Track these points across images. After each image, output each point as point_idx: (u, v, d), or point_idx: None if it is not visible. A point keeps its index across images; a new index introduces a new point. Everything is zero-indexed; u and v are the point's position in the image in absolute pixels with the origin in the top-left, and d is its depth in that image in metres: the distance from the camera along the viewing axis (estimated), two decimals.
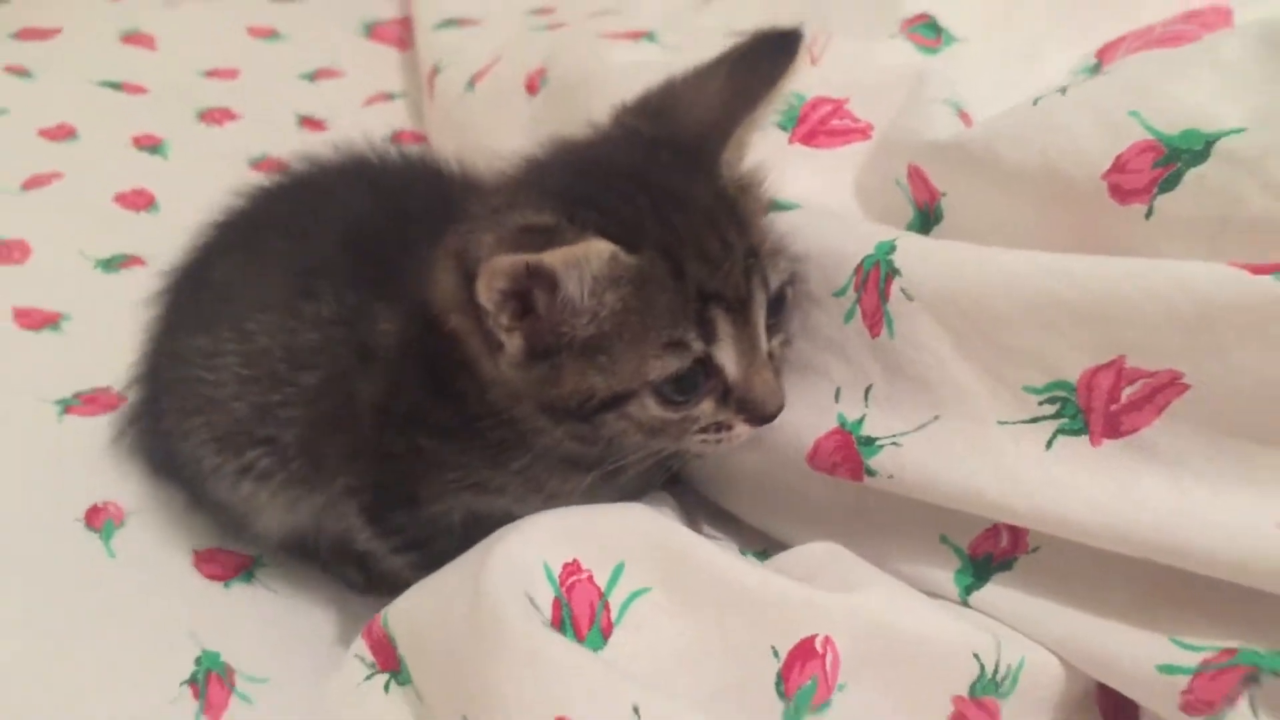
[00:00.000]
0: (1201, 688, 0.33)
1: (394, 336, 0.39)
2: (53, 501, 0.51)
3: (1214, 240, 0.35)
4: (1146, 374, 0.34)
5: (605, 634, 0.33)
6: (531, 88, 0.62)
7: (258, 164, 0.75)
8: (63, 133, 0.76)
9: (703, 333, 0.35)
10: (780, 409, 0.37)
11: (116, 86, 0.82)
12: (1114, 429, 0.35)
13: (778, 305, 0.39)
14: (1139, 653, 0.34)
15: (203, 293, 0.47)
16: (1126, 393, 0.35)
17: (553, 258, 0.33)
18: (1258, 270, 0.32)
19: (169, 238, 0.64)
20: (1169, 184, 0.36)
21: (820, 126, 0.49)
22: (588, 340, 0.35)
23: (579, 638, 0.32)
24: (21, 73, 0.82)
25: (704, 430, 0.37)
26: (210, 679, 0.45)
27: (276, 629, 0.47)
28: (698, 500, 0.44)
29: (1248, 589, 0.32)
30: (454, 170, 0.46)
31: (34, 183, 0.71)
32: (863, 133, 0.48)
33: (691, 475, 0.44)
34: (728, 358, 0.37)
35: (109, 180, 0.72)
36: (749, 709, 0.32)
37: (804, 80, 0.52)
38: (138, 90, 0.82)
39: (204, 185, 0.65)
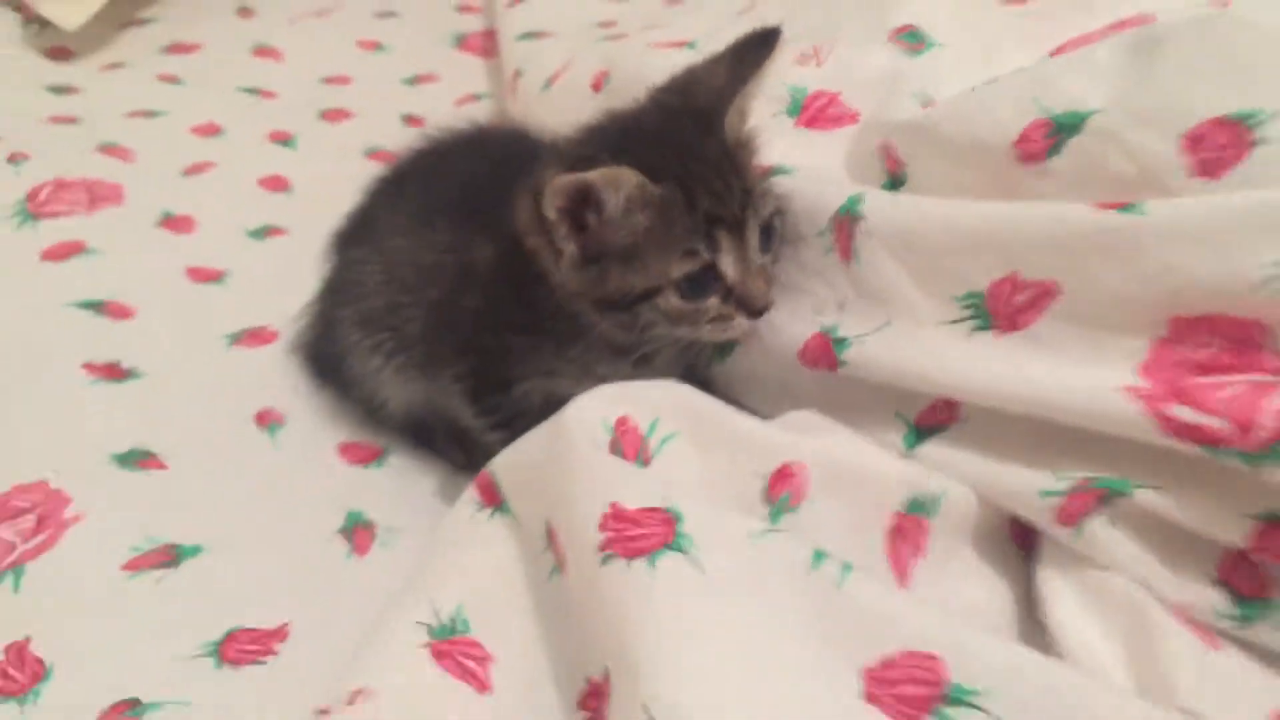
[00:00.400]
0: (1069, 505, 0.47)
1: (489, 260, 0.54)
2: (229, 409, 0.66)
3: (1084, 188, 0.48)
4: (1033, 284, 0.48)
5: (646, 462, 0.47)
6: (596, 87, 0.76)
7: (371, 154, 0.90)
8: (212, 130, 0.92)
9: (710, 245, 0.50)
10: (768, 306, 0.51)
11: (253, 92, 0.98)
12: (1012, 325, 0.48)
13: (767, 232, 0.53)
14: (1030, 484, 0.48)
15: (362, 222, 0.62)
16: (1019, 299, 0.48)
17: (595, 176, 0.48)
18: (1106, 206, 0.46)
19: (302, 212, 0.80)
20: (1056, 149, 0.49)
21: (819, 113, 0.63)
22: (625, 248, 0.50)
23: (627, 461, 0.46)
24: (173, 80, 0.98)
25: (712, 320, 0.52)
26: (356, 529, 0.60)
27: (404, 498, 0.62)
28: (721, 399, 0.58)
29: (1099, 434, 0.46)
30: (539, 138, 0.61)
31: (193, 170, 0.87)
32: (852, 118, 0.62)
33: (714, 379, 0.58)
34: (728, 265, 0.51)
35: (252, 168, 0.88)
36: (745, 509, 0.46)
37: (809, 77, 0.66)
38: (270, 95, 0.98)
39: (327, 172, 0.81)
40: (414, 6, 1.12)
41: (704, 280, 0.51)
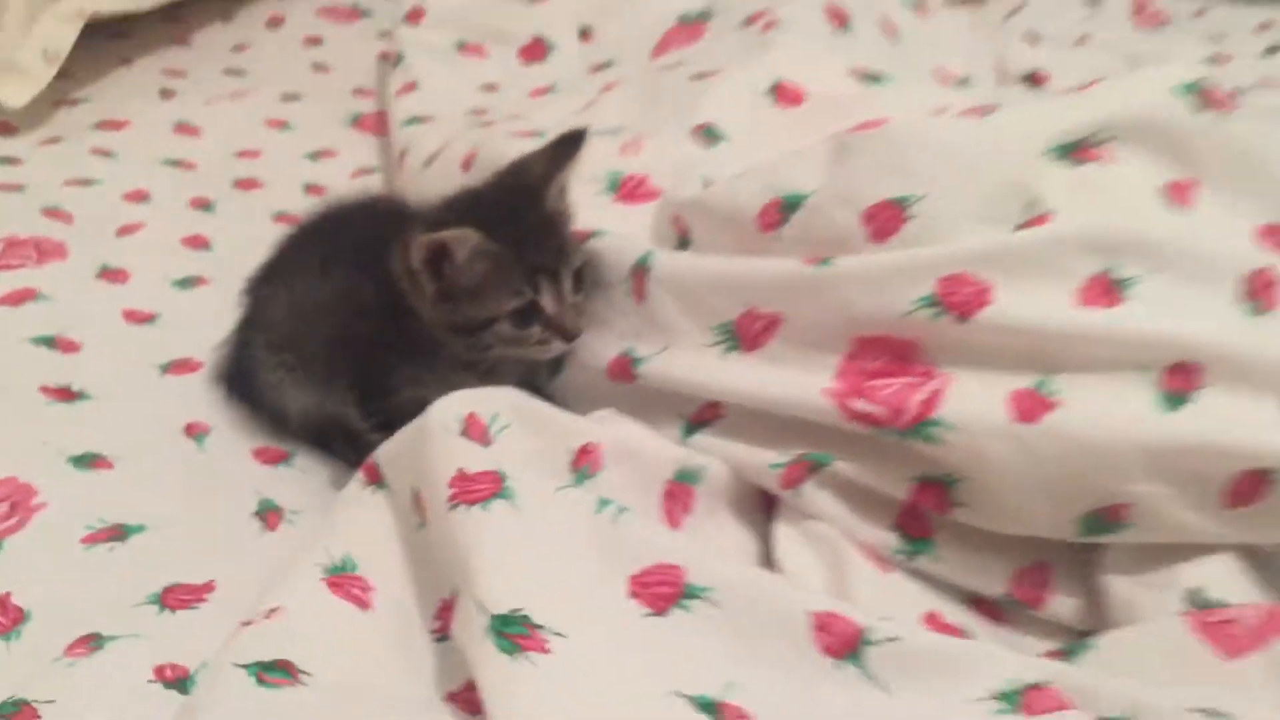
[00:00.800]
0: (788, 474, 0.66)
1: (372, 298, 0.72)
2: (163, 422, 0.81)
3: (803, 248, 0.68)
4: (766, 315, 0.67)
5: (487, 444, 0.64)
6: (466, 166, 0.94)
7: (278, 218, 1.06)
8: (140, 196, 1.07)
9: (532, 287, 0.68)
10: (578, 333, 0.69)
11: (175, 163, 1.13)
12: (753, 346, 0.67)
13: (578, 277, 0.71)
14: (763, 459, 0.66)
15: (271, 268, 0.79)
16: (757, 326, 0.67)
17: (447, 235, 0.66)
18: (811, 261, 0.65)
19: (221, 266, 0.96)
20: (785, 221, 0.69)
21: (632, 191, 0.82)
22: (471, 288, 0.68)
23: (473, 442, 0.63)
24: (105, 153, 1.14)
25: (536, 343, 0.70)
26: (268, 513, 0.75)
27: (306, 488, 0.77)
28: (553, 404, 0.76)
29: (808, 421, 0.65)
30: (415, 205, 0.79)
31: (125, 230, 1.02)
32: (656, 195, 0.81)
33: (552, 392, 0.76)
34: (547, 302, 0.69)
35: (176, 228, 1.03)
36: (556, 476, 0.64)
37: (627, 163, 0.85)
38: (190, 166, 1.13)
39: (241, 232, 0.97)
40: (316, 90, 1.28)
41: (528, 313, 0.70)
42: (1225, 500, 0.60)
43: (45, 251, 0.96)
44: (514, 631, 0.53)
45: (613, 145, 0.87)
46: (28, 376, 0.82)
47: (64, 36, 1.15)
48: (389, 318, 0.71)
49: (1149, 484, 0.60)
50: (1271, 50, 1.44)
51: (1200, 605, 0.58)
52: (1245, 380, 0.59)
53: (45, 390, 0.81)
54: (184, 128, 1.19)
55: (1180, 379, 0.60)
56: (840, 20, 1.02)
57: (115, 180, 1.08)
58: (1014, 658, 0.55)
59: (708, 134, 0.87)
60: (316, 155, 1.17)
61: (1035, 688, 0.53)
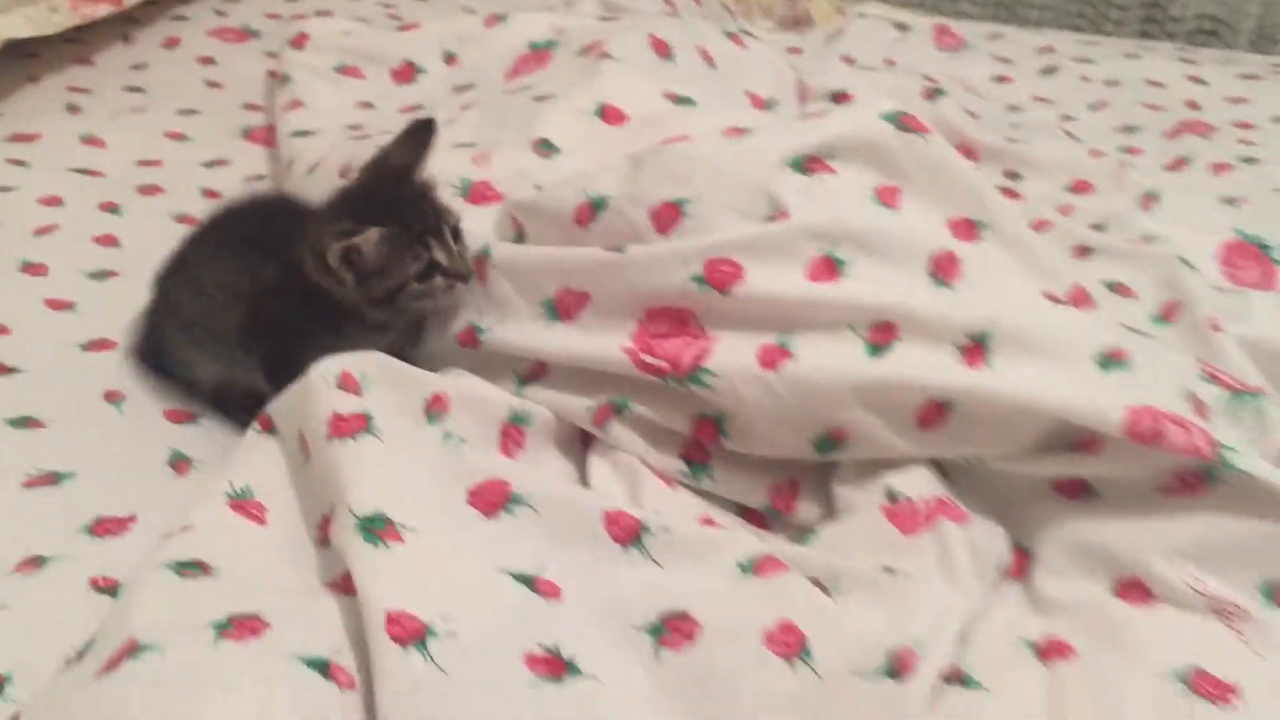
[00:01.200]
0: (598, 415, 0.84)
1: (274, 279, 0.88)
2: (85, 391, 0.96)
3: (607, 239, 0.87)
4: (578, 292, 0.85)
5: (357, 394, 0.81)
6: (343, 174, 1.11)
7: (179, 219, 1.21)
8: (54, 201, 1.21)
9: (426, 249, 0.84)
10: (470, 272, 0.86)
11: (85, 172, 1.27)
12: (569, 317, 0.86)
13: (456, 233, 0.88)
14: (579, 404, 0.85)
15: (179, 259, 0.95)
16: (571, 301, 0.86)
17: (357, 239, 0.81)
18: (610, 249, 0.84)
19: (130, 261, 1.11)
20: (594, 218, 0.88)
21: (480, 195, 1.00)
22: (380, 268, 0.83)
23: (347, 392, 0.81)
24: (20, 163, 1.27)
25: (443, 291, 0.85)
26: (178, 462, 0.91)
27: (210, 442, 0.94)
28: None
29: (613, 374, 0.84)
30: (300, 202, 0.96)
31: (42, 230, 1.16)
32: (499, 198, 1.00)
33: (416, 360, 0.94)
34: (440, 256, 0.84)
35: (88, 229, 1.17)
36: (413, 419, 0.81)
37: (477, 172, 1.03)
38: (98, 174, 1.28)
39: (147, 231, 1.12)
40: (210, 106, 1.43)
41: (429, 270, 0.85)
42: (916, 424, 0.80)
43: None
44: (376, 527, 0.70)
45: (466, 156, 1.05)
46: None
47: None
48: (293, 298, 0.87)
49: (862, 413, 0.80)
50: (1047, 71, 1.67)
51: (891, 499, 0.78)
52: (929, 333, 0.80)
53: None
54: (91, 140, 1.32)
55: (881, 333, 0.80)
56: (663, 51, 1.21)
57: (30, 187, 1.22)
58: (751, 539, 0.75)
59: (545, 147, 1.05)
60: (212, 164, 1.32)
61: (767, 557, 0.73)
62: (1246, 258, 1.16)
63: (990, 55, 1.70)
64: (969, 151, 1.37)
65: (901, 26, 1.73)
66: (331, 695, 0.65)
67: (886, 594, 0.71)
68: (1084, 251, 1.16)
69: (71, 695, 0.65)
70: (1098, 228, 1.20)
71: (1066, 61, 1.68)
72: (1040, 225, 1.21)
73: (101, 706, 0.62)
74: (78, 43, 1.49)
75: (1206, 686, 0.72)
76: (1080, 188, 1.31)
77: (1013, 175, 1.34)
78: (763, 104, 1.26)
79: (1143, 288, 1.09)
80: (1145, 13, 2.34)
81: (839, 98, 1.40)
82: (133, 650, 0.65)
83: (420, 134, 0.90)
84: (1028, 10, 2.20)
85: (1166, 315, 1.05)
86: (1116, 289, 1.10)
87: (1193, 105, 1.58)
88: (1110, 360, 0.80)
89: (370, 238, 0.83)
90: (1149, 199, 1.26)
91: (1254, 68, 1.68)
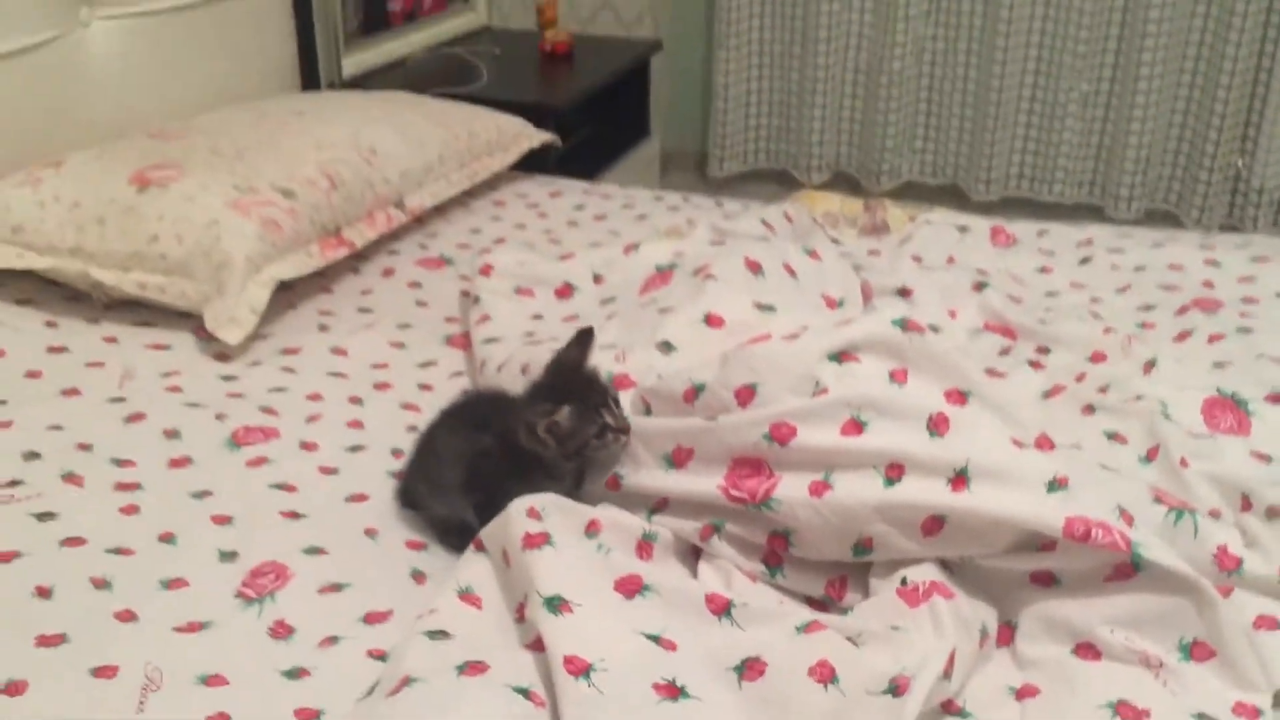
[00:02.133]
0: (703, 533, 1.22)
1: (486, 448, 1.29)
2: (349, 529, 1.39)
3: (704, 411, 1.26)
4: (687, 448, 1.24)
5: (539, 519, 1.20)
6: (524, 371, 1.52)
7: (405, 406, 1.65)
8: (317, 397, 1.65)
9: (599, 415, 1.22)
10: (628, 428, 1.24)
11: (335, 374, 1.73)
12: (680, 464, 1.24)
13: (616, 402, 1.27)
14: (691, 526, 1.23)
15: (429, 433, 1.38)
16: (682, 454, 1.25)
17: (558, 415, 1.21)
18: (708, 418, 1.23)
19: (373, 438, 1.54)
20: (696, 398, 1.27)
21: (619, 384, 1.40)
22: (571, 431, 1.23)
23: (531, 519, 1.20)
24: (290, 370, 1.74)
25: (613, 443, 1.24)
26: (417, 576, 1.32)
27: (437, 563, 1.34)
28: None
29: (711, 503, 1.22)
30: (507, 394, 1.38)
31: (311, 419, 1.61)
32: (634, 385, 1.40)
33: (580, 498, 1.33)
34: (609, 419, 1.22)
35: (342, 416, 1.62)
36: (577, 535, 1.20)
37: (616, 367, 1.44)
38: (344, 376, 1.73)
39: (382, 416, 1.56)
40: (421, 319, 1.87)
41: (603, 430, 1.25)
42: (921, 534, 1.15)
43: (267, 433, 1.55)
44: (556, 603, 1.09)
45: (610, 355, 1.46)
46: (273, 505, 1.40)
47: (261, 297, 1.78)
48: (500, 461, 1.28)
49: (882, 526, 1.16)
50: (1084, 260, 2.03)
51: (903, 583, 1.14)
52: (926, 470, 1.16)
53: (283, 515, 1.39)
54: (337, 350, 1.79)
55: (894, 470, 1.17)
56: (755, 269, 1.62)
57: (299, 387, 1.67)
58: (805, 611, 1.11)
59: (665, 347, 1.46)
60: (425, 364, 1.75)
61: (814, 622, 1.09)
62: (1224, 410, 1.49)
63: (1037, 249, 2.06)
64: (1007, 331, 1.74)
65: (963, 229, 2.10)
66: (529, 710, 1.02)
67: (892, 643, 1.06)
68: (1090, 409, 1.50)
69: (370, 711, 1.04)
70: (1103, 390, 1.54)
71: (1100, 252, 2.03)
72: (1056, 390, 1.56)
73: (394, 711, 1.01)
74: (321, 276, 1.99)
75: (1127, 712, 1.04)
76: (1097, 358, 1.65)
77: (1043, 350, 1.69)
78: (834, 303, 1.66)
79: (1133, 435, 1.43)
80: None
81: (903, 292, 1.79)
82: (407, 682, 1.04)
83: (584, 338, 1.32)
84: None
85: (1150, 456, 1.39)
86: (1114, 437, 1.44)
87: (1208, 284, 1.90)
88: (1056, 485, 1.15)
89: (564, 414, 1.23)
90: (1149, 365, 1.60)
91: (1264, 249, 2.00)
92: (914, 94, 3.80)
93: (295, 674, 1.14)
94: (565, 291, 1.79)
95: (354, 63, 2.80)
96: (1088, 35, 3.53)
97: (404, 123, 2.22)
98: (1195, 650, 1.10)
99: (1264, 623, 1.12)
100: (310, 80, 2.66)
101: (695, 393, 1.28)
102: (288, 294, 1.92)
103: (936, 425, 1.19)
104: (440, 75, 2.88)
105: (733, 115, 3.92)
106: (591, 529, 1.20)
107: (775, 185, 3.82)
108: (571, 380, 1.28)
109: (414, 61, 2.99)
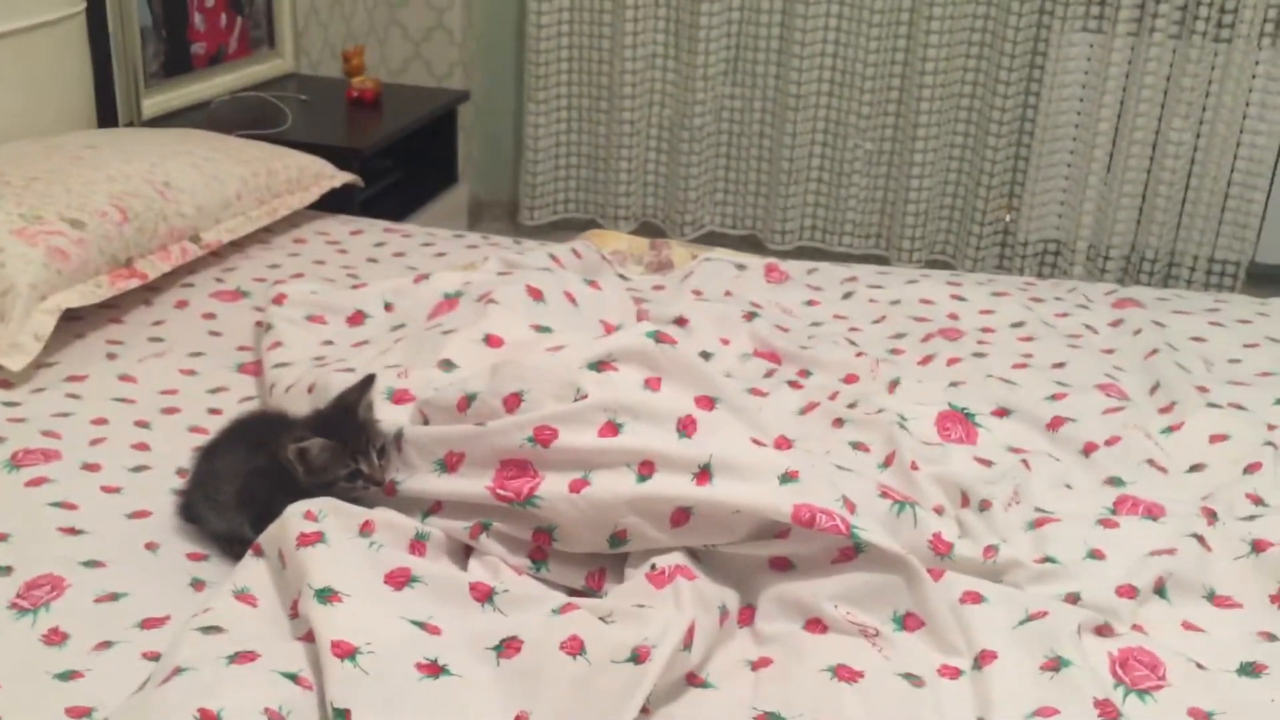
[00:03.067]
0: (473, 532, 1.30)
1: (263, 466, 1.34)
2: (131, 544, 1.42)
3: (475, 419, 1.35)
4: (458, 453, 1.33)
5: (315, 521, 1.26)
6: (310, 391, 1.58)
7: (192, 429, 1.68)
8: (102, 421, 1.68)
9: (355, 460, 1.30)
10: (383, 481, 1.31)
11: (121, 400, 1.76)
12: (453, 469, 1.33)
13: (382, 451, 1.36)
14: (461, 525, 1.31)
15: (205, 450, 1.42)
16: (453, 459, 1.33)
17: (307, 444, 1.29)
18: (477, 424, 1.32)
19: (158, 460, 1.57)
20: (468, 407, 1.36)
21: (400, 398, 1.48)
22: (323, 465, 1.30)
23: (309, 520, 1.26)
24: (75, 396, 1.75)
25: (363, 489, 1.31)
26: (197, 584, 1.36)
27: (218, 571, 1.38)
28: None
29: (480, 504, 1.30)
30: (287, 416, 1.44)
31: (95, 442, 1.63)
32: (413, 399, 1.48)
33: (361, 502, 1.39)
34: (365, 466, 1.30)
35: (128, 439, 1.65)
36: (351, 535, 1.27)
37: (398, 382, 1.52)
38: (132, 401, 1.76)
39: (170, 440, 1.59)
40: (213, 349, 1.91)
41: (355, 475, 1.33)
42: (670, 524, 1.27)
43: (48, 455, 1.56)
44: (326, 594, 1.15)
45: (394, 373, 1.54)
46: (50, 522, 1.42)
47: (46, 324, 1.78)
48: (276, 478, 1.33)
49: (634, 518, 1.26)
50: (847, 295, 2.20)
51: (652, 569, 1.24)
52: (674, 466, 1.28)
53: (61, 530, 1.41)
54: (125, 377, 1.80)
55: (647, 468, 1.28)
56: (537, 295, 1.73)
57: (84, 412, 1.68)
58: (561, 597, 1.21)
59: (446, 364, 1.55)
60: (215, 390, 1.79)
61: (568, 604, 1.18)
62: (955, 422, 1.66)
63: (805, 285, 2.23)
64: (773, 356, 1.89)
65: (740, 266, 2.26)
66: (296, 692, 1.08)
67: (636, 618, 1.16)
68: (839, 422, 1.65)
69: (142, 699, 1.08)
70: (851, 406, 1.70)
71: (862, 288, 2.21)
72: (811, 407, 1.71)
73: (163, 698, 1.05)
74: (111, 307, 1.99)
75: (845, 673, 1.17)
76: (849, 379, 1.81)
77: (804, 373, 1.85)
78: (612, 329, 1.78)
79: (874, 444, 1.59)
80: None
81: (679, 321, 1.92)
82: (177, 671, 1.08)
83: (365, 384, 1.39)
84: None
85: (887, 462, 1.54)
86: (858, 446, 1.59)
87: (953, 316, 2.11)
88: (788, 477, 1.28)
89: (315, 445, 1.30)
90: (893, 385, 1.77)
91: (1004, 286, 2.23)
92: (714, 149, 4.01)
93: (67, 676, 1.17)
94: (357, 319, 1.86)
95: (155, 104, 2.81)
96: (870, 97, 3.81)
97: (201, 159, 2.25)
98: (907, 621, 1.24)
99: (970, 597, 1.27)
100: (108, 119, 2.66)
101: (467, 401, 1.37)
102: (76, 323, 1.93)
103: (685, 427, 1.31)
104: (244, 118, 2.90)
105: (543, 166, 4.05)
106: (365, 529, 1.27)
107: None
108: (343, 420, 1.35)
109: (218, 104, 3.01)
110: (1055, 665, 1.15)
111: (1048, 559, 1.33)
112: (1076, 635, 1.19)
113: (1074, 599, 1.27)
